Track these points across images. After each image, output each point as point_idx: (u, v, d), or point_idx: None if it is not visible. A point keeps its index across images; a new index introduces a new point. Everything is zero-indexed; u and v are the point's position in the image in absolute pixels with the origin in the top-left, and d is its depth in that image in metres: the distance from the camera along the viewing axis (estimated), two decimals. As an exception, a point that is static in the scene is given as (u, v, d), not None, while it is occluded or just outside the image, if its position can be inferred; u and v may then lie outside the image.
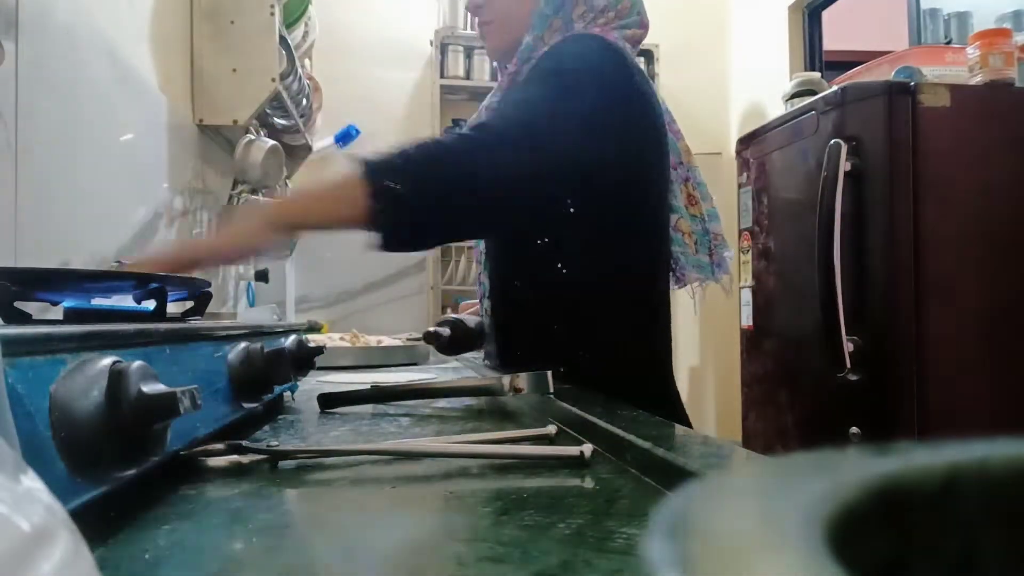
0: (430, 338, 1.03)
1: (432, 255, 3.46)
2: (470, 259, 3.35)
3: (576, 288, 1.00)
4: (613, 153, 0.98)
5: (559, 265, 1.00)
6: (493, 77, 3.58)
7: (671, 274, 1.11)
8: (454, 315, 1.08)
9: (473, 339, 1.06)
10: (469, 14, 1.12)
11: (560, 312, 1.01)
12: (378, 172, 0.85)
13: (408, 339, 1.60)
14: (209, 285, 0.70)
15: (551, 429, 0.60)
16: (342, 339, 1.47)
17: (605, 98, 0.98)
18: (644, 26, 1.13)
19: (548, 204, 0.97)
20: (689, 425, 1.09)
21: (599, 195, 1.00)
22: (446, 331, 1.03)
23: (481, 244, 1.15)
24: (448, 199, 0.89)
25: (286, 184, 2.41)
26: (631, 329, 1.05)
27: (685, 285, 1.14)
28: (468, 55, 3.58)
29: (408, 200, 0.85)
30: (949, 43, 2.64)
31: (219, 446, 0.49)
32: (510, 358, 1.07)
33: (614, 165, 0.99)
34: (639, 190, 1.04)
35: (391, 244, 0.88)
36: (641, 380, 1.04)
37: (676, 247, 1.11)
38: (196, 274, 0.79)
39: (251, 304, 2.52)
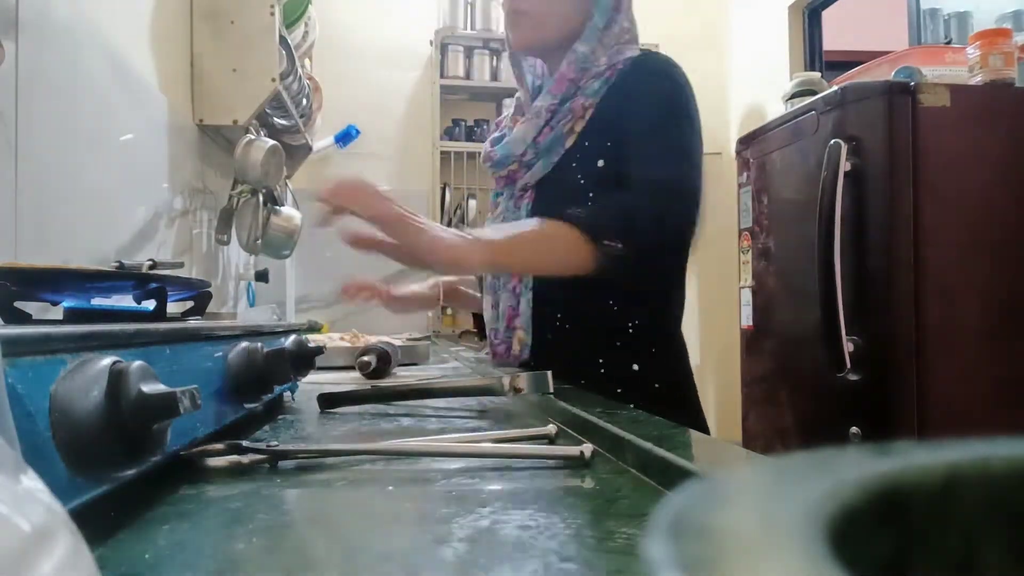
0: (362, 366, 1.11)
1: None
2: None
3: (608, 288, 1.05)
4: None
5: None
6: (493, 77, 3.58)
7: None
8: (381, 344, 1.14)
9: (392, 363, 1.15)
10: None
11: (595, 307, 1.06)
12: (600, 233, 0.94)
13: (408, 339, 1.61)
14: (209, 285, 0.71)
15: (551, 429, 0.60)
16: (342, 339, 1.47)
17: (697, 122, 1.07)
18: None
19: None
20: (705, 428, 1.13)
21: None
22: (373, 359, 1.11)
23: None
24: (646, 252, 0.97)
25: (286, 184, 2.41)
26: (655, 323, 1.11)
27: None
28: (468, 55, 3.57)
29: (626, 259, 0.94)
30: (949, 43, 2.64)
31: (219, 446, 0.49)
32: (544, 353, 1.10)
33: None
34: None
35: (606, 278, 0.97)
36: (663, 375, 1.09)
37: None
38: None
39: (251, 304, 2.52)
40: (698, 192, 1.00)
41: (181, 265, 1.41)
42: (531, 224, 0.99)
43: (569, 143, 1.08)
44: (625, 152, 1.03)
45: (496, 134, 1.21)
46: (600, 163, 1.05)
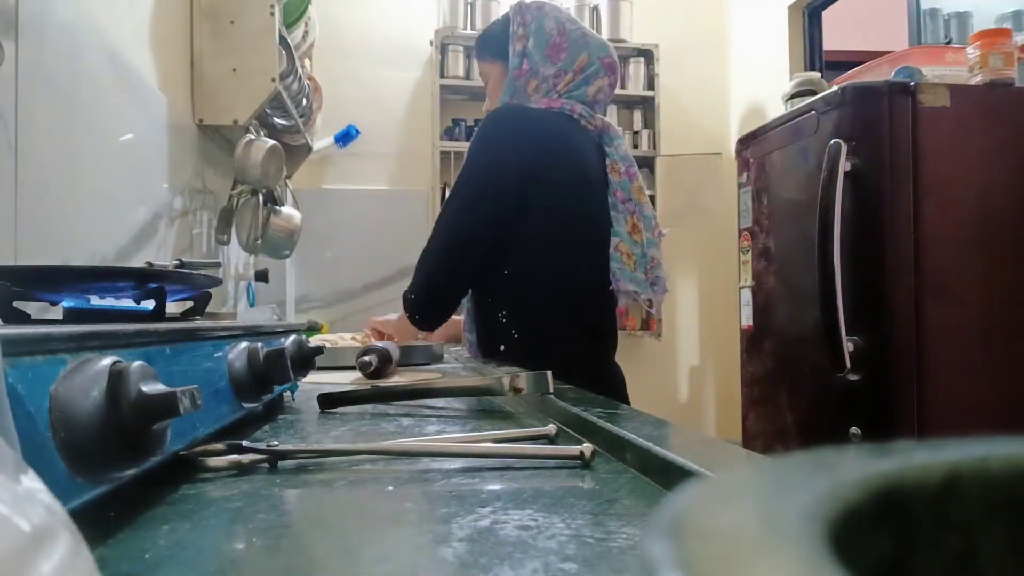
0: (363, 366, 1.12)
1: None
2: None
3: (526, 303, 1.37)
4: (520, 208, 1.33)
5: (513, 288, 1.37)
6: (493, 77, 3.58)
7: (610, 287, 1.40)
8: (379, 343, 1.15)
9: (392, 363, 1.18)
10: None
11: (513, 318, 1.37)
12: (409, 310, 1.44)
13: (421, 339, 1.62)
14: (220, 282, 0.71)
15: (551, 429, 0.60)
16: (353, 339, 1.47)
17: (489, 168, 1.35)
18: (609, 68, 1.41)
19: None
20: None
21: (528, 239, 1.34)
22: (374, 359, 1.11)
23: None
24: (442, 305, 1.47)
25: (286, 184, 2.41)
26: (577, 341, 1.38)
27: (622, 297, 1.44)
28: (468, 55, 3.57)
29: (423, 320, 1.46)
30: (949, 43, 2.64)
31: (219, 446, 0.49)
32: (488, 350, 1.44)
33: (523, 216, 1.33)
34: (567, 226, 1.36)
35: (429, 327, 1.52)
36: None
37: (614, 264, 1.39)
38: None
39: (251, 304, 2.52)
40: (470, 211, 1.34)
41: (219, 265, 1.62)
42: None
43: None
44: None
45: None
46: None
